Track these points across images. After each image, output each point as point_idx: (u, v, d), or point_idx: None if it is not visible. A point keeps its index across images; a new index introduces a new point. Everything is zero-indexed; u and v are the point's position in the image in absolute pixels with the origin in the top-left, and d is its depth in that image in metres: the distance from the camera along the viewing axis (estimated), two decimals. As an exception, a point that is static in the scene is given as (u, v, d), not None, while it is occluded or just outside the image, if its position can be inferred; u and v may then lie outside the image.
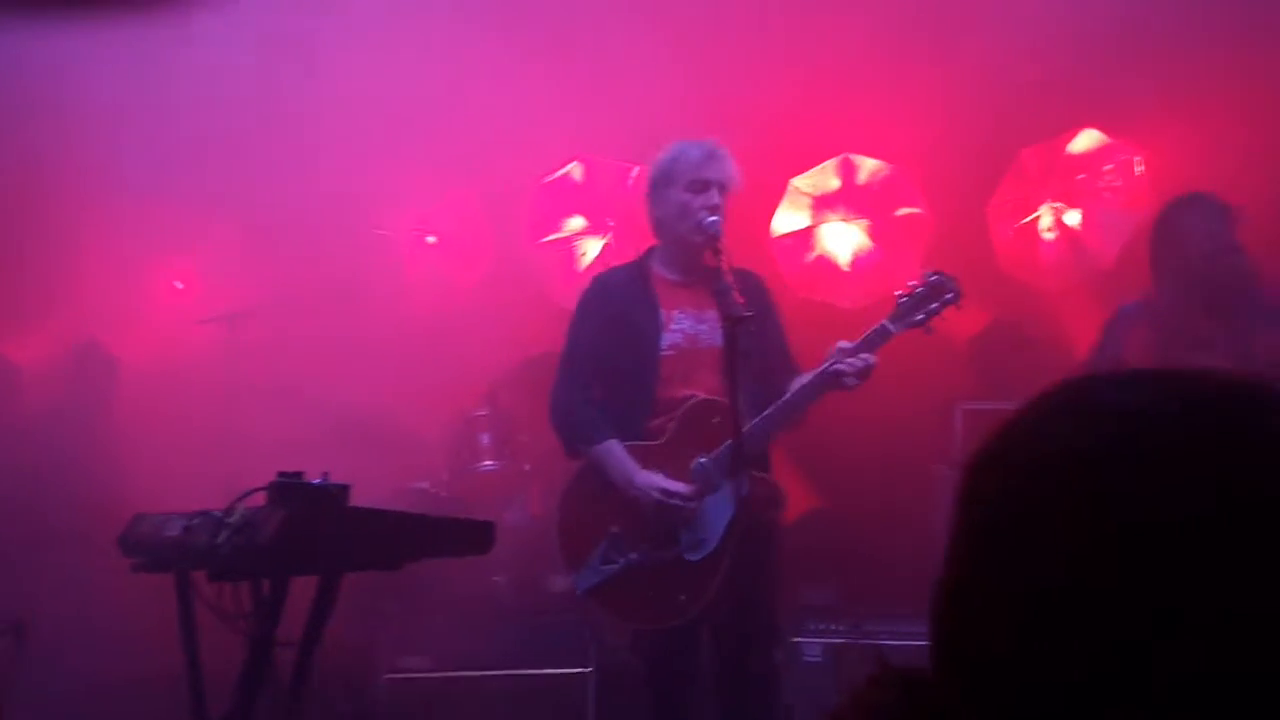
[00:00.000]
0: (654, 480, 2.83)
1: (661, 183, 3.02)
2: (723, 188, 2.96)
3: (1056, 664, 0.60)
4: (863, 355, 2.78)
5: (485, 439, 4.40)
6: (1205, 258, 3.16)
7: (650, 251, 3.14)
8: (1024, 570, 0.62)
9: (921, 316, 2.82)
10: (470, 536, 2.15)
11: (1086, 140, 4.57)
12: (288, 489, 2.12)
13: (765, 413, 2.84)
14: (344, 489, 2.17)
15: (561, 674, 3.61)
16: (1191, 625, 0.57)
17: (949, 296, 2.82)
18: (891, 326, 2.81)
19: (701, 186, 2.94)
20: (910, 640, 3.50)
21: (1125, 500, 0.60)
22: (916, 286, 2.84)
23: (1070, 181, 4.64)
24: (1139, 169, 4.46)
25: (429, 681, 3.59)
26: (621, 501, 2.87)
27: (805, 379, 2.86)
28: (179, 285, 5.27)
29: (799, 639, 3.56)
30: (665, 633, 2.90)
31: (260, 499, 2.18)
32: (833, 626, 3.56)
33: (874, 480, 4.64)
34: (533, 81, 4.64)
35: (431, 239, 5.24)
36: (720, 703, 2.93)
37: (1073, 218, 4.65)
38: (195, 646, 2.45)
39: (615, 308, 3.05)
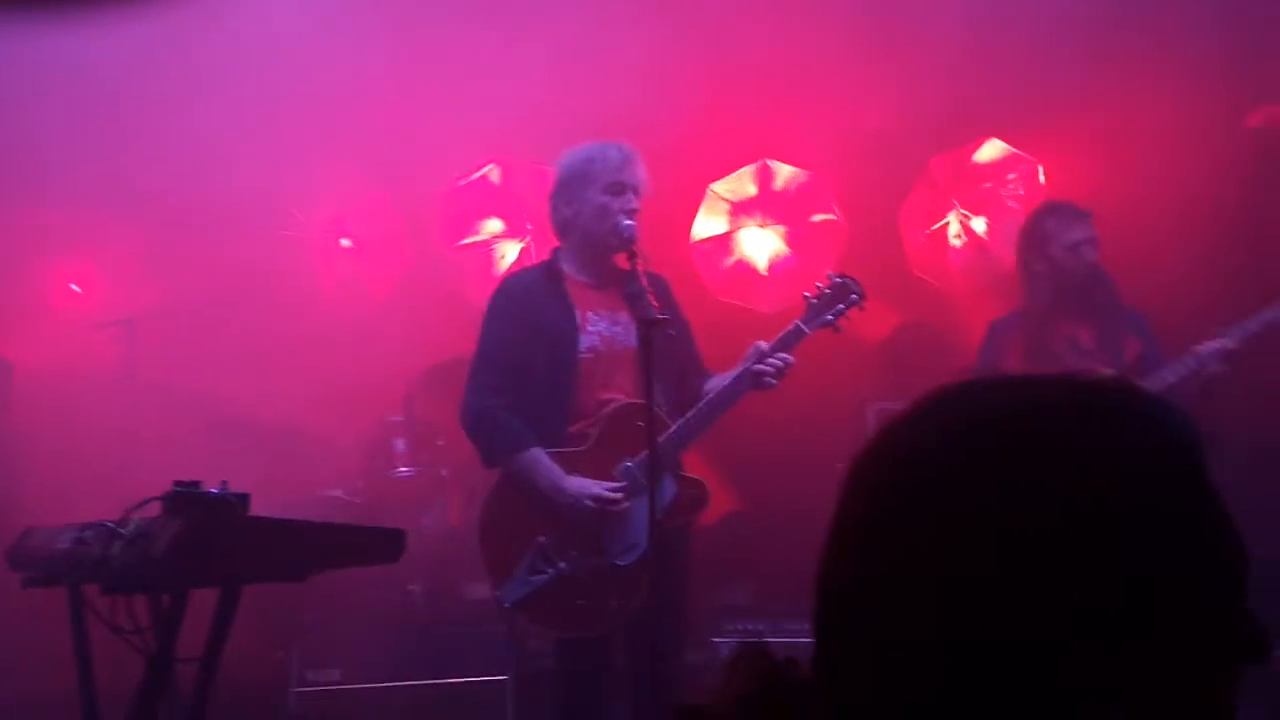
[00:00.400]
0: (585, 487, 2.80)
1: (576, 183, 2.98)
2: (638, 191, 2.96)
3: (923, 649, 0.63)
4: (781, 355, 2.82)
5: (401, 445, 4.33)
6: (1067, 257, 3.37)
7: (557, 253, 3.10)
8: (897, 560, 0.66)
9: (830, 317, 2.88)
10: (379, 545, 2.09)
11: (991, 150, 4.72)
12: (184, 498, 2.04)
13: (689, 414, 2.84)
14: (244, 498, 2.10)
15: (478, 682, 3.57)
16: (1051, 611, 0.61)
17: (854, 297, 2.90)
18: (805, 326, 2.86)
19: (619, 189, 2.93)
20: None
21: (986, 492, 0.63)
22: (823, 288, 2.90)
23: (976, 190, 4.79)
24: (1040, 179, 4.63)
25: (339, 694, 3.50)
26: (547, 510, 2.81)
27: (724, 380, 2.87)
28: (76, 288, 5.06)
29: (716, 639, 3.59)
30: (589, 639, 2.88)
31: (156, 509, 2.10)
32: (749, 626, 3.60)
33: (787, 481, 4.70)
34: (448, 82, 4.60)
35: (345, 242, 5.14)
36: (632, 705, 2.93)
37: (979, 224, 4.81)
38: (89, 664, 2.35)
39: (528, 310, 2.98)
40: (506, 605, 2.86)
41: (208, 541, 2.03)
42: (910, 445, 0.69)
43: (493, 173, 4.80)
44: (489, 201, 4.86)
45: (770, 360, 2.81)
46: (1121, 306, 3.47)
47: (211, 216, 4.49)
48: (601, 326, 2.97)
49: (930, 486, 0.66)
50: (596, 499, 2.78)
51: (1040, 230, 3.49)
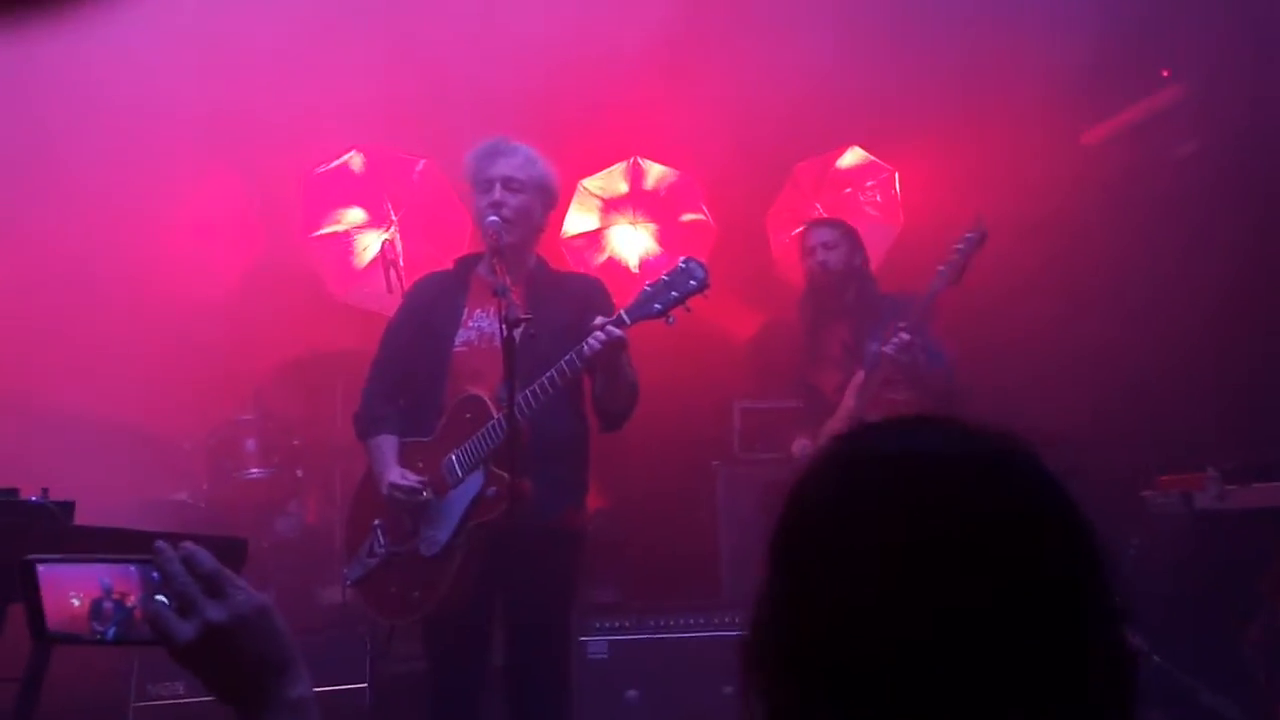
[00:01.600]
0: (389, 475, 2.85)
1: (468, 183, 3.02)
2: (507, 182, 2.90)
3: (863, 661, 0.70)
4: (592, 338, 2.66)
5: (251, 444, 4.10)
6: (810, 265, 3.86)
7: (481, 253, 3.10)
8: (826, 589, 0.73)
9: (658, 306, 2.67)
10: (219, 554, 1.94)
11: (852, 157, 4.88)
12: (-1, 507, 1.86)
13: (503, 411, 2.71)
14: (66, 506, 1.93)
15: (335, 690, 3.43)
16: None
17: (693, 284, 2.66)
18: (626, 317, 2.69)
19: (486, 185, 2.92)
20: (688, 633, 3.59)
21: (889, 527, 0.72)
22: (663, 275, 2.71)
23: (838, 195, 4.94)
24: (896, 187, 4.82)
25: (182, 709, 3.29)
26: (383, 496, 2.88)
27: (543, 377, 2.75)
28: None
29: (584, 637, 3.57)
30: (454, 634, 2.84)
31: (-30, 518, 1.90)
32: (616, 623, 3.60)
33: (655, 478, 4.74)
34: (309, 63, 4.38)
35: (189, 228, 4.82)
36: (510, 706, 2.88)
37: (840, 229, 4.95)
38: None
39: (421, 308, 3.06)
40: (348, 583, 2.97)
41: (24, 554, 1.84)
42: (820, 495, 0.78)
43: (354, 160, 4.60)
44: (350, 190, 4.66)
45: (588, 341, 2.67)
46: (879, 298, 3.77)
47: (38, 195, 4.12)
48: (483, 323, 2.96)
49: (816, 521, 0.76)
50: (391, 486, 2.82)
51: (800, 245, 3.99)
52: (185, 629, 0.91)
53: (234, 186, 4.76)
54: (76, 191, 4.25)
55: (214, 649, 0.91)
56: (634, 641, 3.58)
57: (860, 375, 3.62)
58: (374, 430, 2.96)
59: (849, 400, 3.65)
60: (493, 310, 2.89)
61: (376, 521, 2.89)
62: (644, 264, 4.85)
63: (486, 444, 2.74)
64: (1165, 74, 4.33)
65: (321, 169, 4.58)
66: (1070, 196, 4.29)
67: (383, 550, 2.87)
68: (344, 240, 4.64)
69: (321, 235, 4.63)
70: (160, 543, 0.95)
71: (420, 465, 2.87)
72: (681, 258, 2.78)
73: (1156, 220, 4.02)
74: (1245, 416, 3.24)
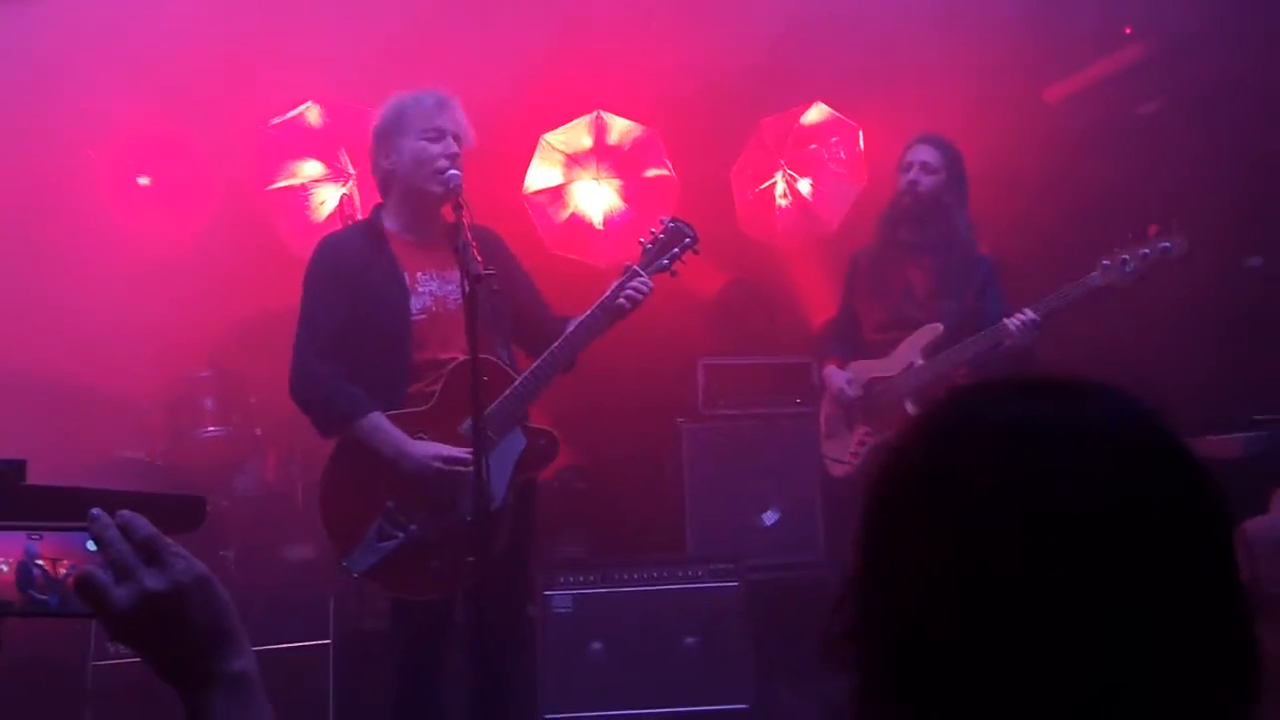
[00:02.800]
0: (430, 449, 2.73)
1: (392, 132, 2.86)
2: (459, 138, 2.85)
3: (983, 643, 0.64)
4: (633, 285, 2.81)
5: (208, 402, 4.04)
6: (899, 179, 3.52)
7: (379, 210, 2.96)
8: (946, 558, 0.67)
9: (665, 261, 2.87)
10: (176, 513, 1.91)
11: (817, 113, 4.85)
12: (-55, 467, 1.80)
13: (538, 362, 2.80)
14: (17, 465, 1.87)
15: (298, 648, 3.42)
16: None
17: (688, 241, 2.89)
18: (641, 271, 2.85)
19: (437, 135, 2.82)
20: (652, 585, 3.63)
21: (1013, 503, 0.65)
22: (658, 233, 2.90)
23: (802, 151, 4.91)
24: (860, 143, 4.81)
25: (143, 667, 3.25)
26: (393, 474, 2.73)
27: (583, 317, 2.84)
28: None
29: (549, 592, 3.59)
30: (425, 601, 2.82)
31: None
32: (581, 577, 3.62)
33: (620, 434, 4.75)
34: (264, 13, 4.25)
35: (143, 180, 4.69)
36: (473, 662, 2.89)
37: (804, 185, 4.94)
38: None
39: (350, 272, 2.85)
40: (356, 575, 2.77)
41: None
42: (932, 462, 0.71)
43: (310, 112, 4.48)
44: (306, 143, 4.55)
45: (626, 293, 2.80)
46: (971, 251, 3.46)
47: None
48: (433, 286, 2.88)
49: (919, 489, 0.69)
50: (447, 460, 2.72)
51: (900, 158, 3.58)
52: (121, 596, 0.87)
53: (186, 139, 4.63)
54: (22, 147, 4.11)
55: (151, 619, 0.87)
56: (598, 596, 3.61)
57: (931, 329, 3.37)
58: (361, 409, 2.75)
59: (912, 354, 3.38)
60: (434, 271, 2.86)
61: (390, 503, 2.73)
62: (608, 220, 4.81)
63: (521, 402, 2.76)
64: (1128, 31, 4.34)
65: (276, 121, 4.47)
66: (1033, 154, 4.31)
67: (414, 528, 2.73)
68: (300, 194, 4.54)
69: (277, 189, 4.53)
70: (95, 509, 0.91)
71: (423, 435, 2.76)
72: (666, 218, 2.95)
73: (1119, 178, 4.06)
74: (1205, 373, 3.30)
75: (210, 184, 4.67)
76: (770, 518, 4.32)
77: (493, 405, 2.71)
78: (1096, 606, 0.62)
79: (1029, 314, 3.12)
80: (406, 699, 2.86)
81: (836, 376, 3.62)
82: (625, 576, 3.64)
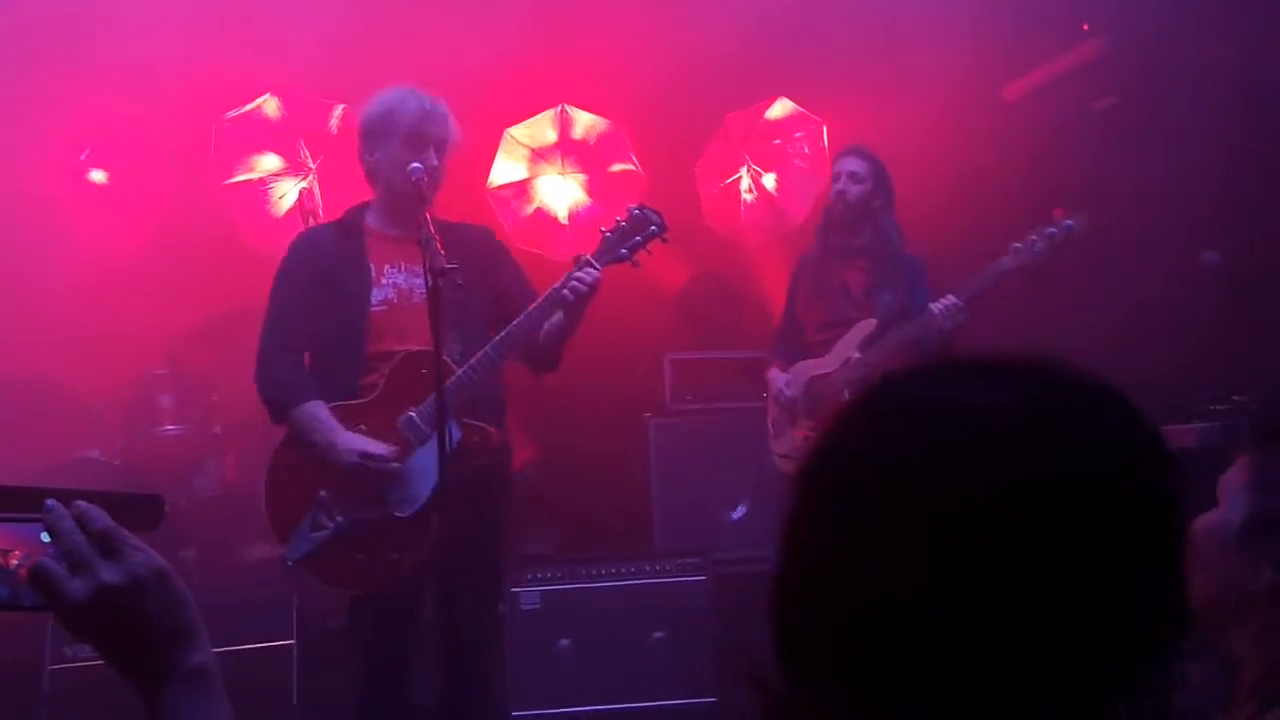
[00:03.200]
0: (353, 443, 2.70)
1: (378, 133, 2.85)
2: (440, 146, 2.83)
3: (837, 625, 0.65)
4: (585, 270, 2.67)
5: (166, 400, 3.97)
6: (827, 192, 3.72)
7: (362, 206, 2.98)
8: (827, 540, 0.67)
9: (625, 250, 2.74)
10: (135, 512, 1.87)
11: (781, 109, 4.87)
12: (-102, 463, 1.75)
13: (475, 357, 2.74)
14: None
15: (260, 649, 3.37)
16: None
17: (653, 229, 2.75)
18: (596, 262, 2.72)
19: (419, 143, 2.80)
20: (620, 581, 3.63)
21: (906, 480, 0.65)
22: (621, 221, 2.78)
23: (767, 146, 4.94)
24: (824, 139, 4.84)
25: (101, 670, 3.19)
26: (327, 464, 2.71)
27: (529, 310, 2.75)
28: None
29: (516, 589, 3.58)
30: (384, 598, 2.78)
31: None
32: (548, 574, 3.61)
33: (587, 430, 4.74)
34: (221, 3, 4.18)
35: (99, 175, 4.60)
36: (442, 659, 2.87)
37: (769, 180, 4.97)
38: None
39: (319, 266, 2.87)
40: (290, 563, 2.76)
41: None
42: (867, 455, 0.69)
43: (269, 104, 4.41)
44: (264, 136, 4.48)
45: (582, 273, 2.67)
46: (901, 251, 3.62)
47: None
48: (399, 279, 2.86)
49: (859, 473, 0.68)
50: (363, 455, 2.69)
51: (830, 168, 3.78)
52: (76, 588, 0.84)
53: (141, 132, 4.54)
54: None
55: (107, 612, 0.85)
56: (566, 592, 3.60)
57: (866, 324, 3.52)
58: (300, 397, 2.76)
59: (849, 349, 3.52)
60: (403, 264, 2.84)
61: (321, 493, 2.71)
62: (573, 215, 4.79)
63: (461, 397, 2.69)
64: (1084, 28, 4.41)
65: (234, 114, 4.40)
66: (991, 149, 4.36)
67: (341, 520, 2.70)
68: (259, 188, 4.47)
69: (235, 183, 4.46)
70: (50, 500, 0.88)
71: (363, 427, 2.74)
72: (633, 205, 2.84)
73: (1076, 172, 4.12)
74: (1163, 364, 3.36)
75: (166, 178, 4.58)
76: (738, 512, 4.34)
77: (427, 400, 2.69)
78: (1035, 578, 0.62)
79: (952, 299, 3.26)
80: (369, 699, 2.83)
81: (776, 379, 3.80)
82: (593, 572, 3.63)
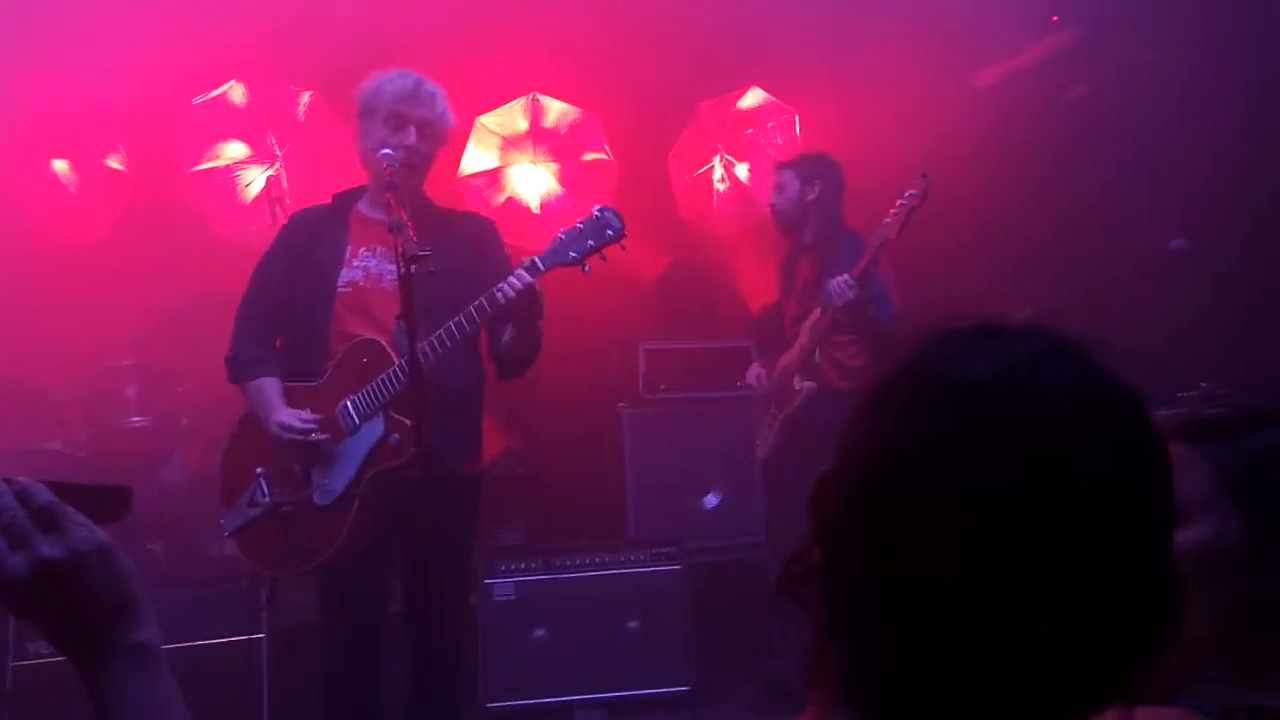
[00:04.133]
0: (282, 416, 2.70)
1: (365, 114, 2.81)
2: (423, 127, 2.77)
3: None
4: (507, 282, 2.57)
5: (131, 392, 3.90)
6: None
7: (358, 189, 2.94)
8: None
9: (574, 254, 2.61)
10: (101, 503, 1.83)
11: (754, 98, 4.86)
12: None
13: (404, 356, 2.61)
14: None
15: (230, 642, 3.33)
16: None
17: (610, 234, 2.62)
18: (540, 263, 2.60)
19: (399, 123, 2.76)
20: (594, 570, 3.62)
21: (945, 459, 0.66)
22: (578, 223, 2.66)
23: (739, 136, 4.92)
24: (796, 128, 4.83)
25: (65, 666, 3.12)
26: (269, 442, 2.73)
27: (453, 319, 2.67)
28: None
29: (490, 579, 3.56)
30: (352, 583, 2.76)
31: None
32: (523, 564, 3.60)
33: (561, 420, 4.72)
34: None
35: (60, 164, 4.49)
36: (412, 652, 2.84)
37: (741, 170, 4.96)
38: None
39: (299, 245, 2.85)
40: (226, 535, 2.80)
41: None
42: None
43: (234, 91, 4.33)
44: (230, 123, 4.40)
45: (502, 290, 2.58)
46: (841, 234, 3.78)
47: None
48: (370, 263, 2.81)
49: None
50: (281, 425, 2.68)
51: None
52: (15, 564, 0.82)
53: (105, 122, 4.44)
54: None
55: (47, 588, 0.83)
56: (540, 582, 3.59)
57: (814, 313, 3.67)
58: (253, 372, 2.78)
59: (804, 335, 3.69)
60: (379, 249, 2.79)
61: (259, 470, 2.72)
62: (545, 204, 4.76)
63: (387, 390, 2.63)
64: (1055, 19, 4.44)
65: (199, 100, 4.31)
66: (963, 138, 4.38)
67: (267, 500, 2.71)
68: (225, 176, 4.39)
69: (200, 171, 4.38)
70: None
71: (308, 410, 2.72)
72: (596, 206, 2.70)
73: (1046, 161, 4.15)
74: (1135, 346, 3.40)
75: (128, 165, 4.49)
76: (711, 501, 4.34)
77: (362, 389, 2.67)
78: (1082, 548, 0.64)
79: (844, 276, 3.43)
80: (337, 691, 2.81)
81: (752, 373, 4.07)
82: (567, 562, 3.62)
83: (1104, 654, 0.65)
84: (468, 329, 2.64)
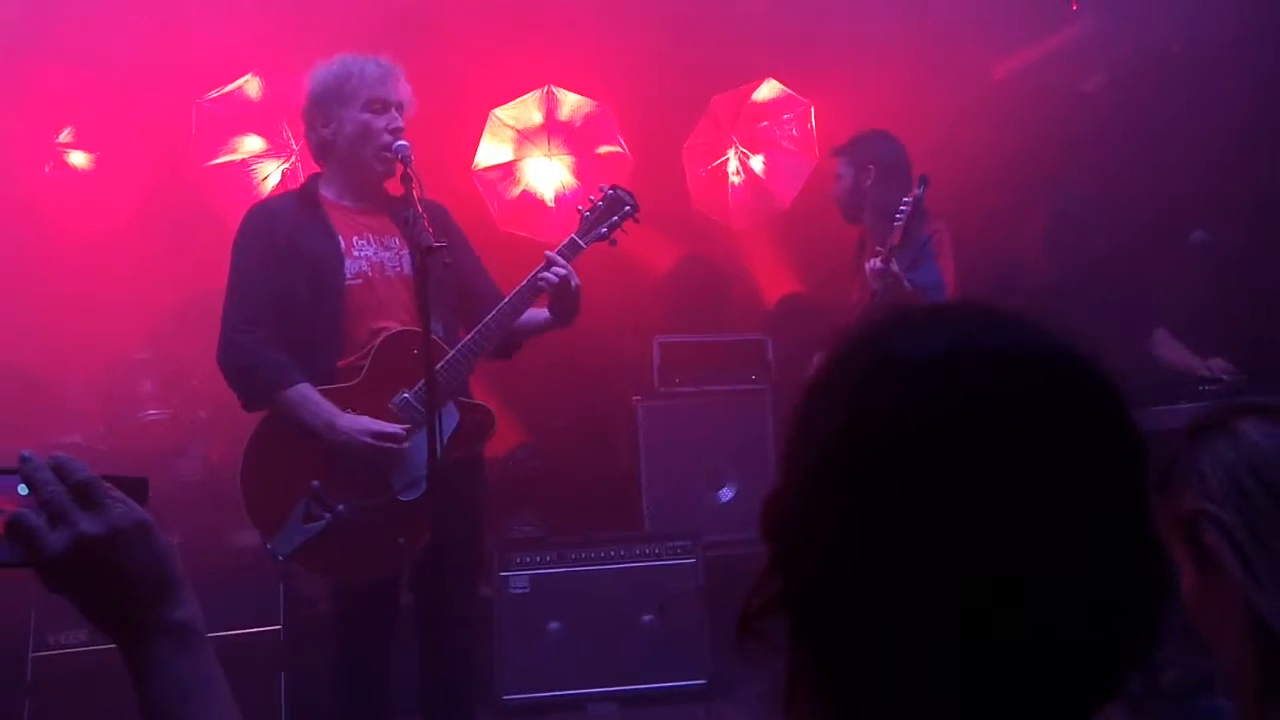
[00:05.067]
0: (361, 423, 2.61)
1: (331, 101, 2.75)
2: (402, 109, 2.77)
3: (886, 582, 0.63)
4: (554, 269, 2.70)
5: (148, 385, 3.92)
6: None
7: (314, 179, 2.87)
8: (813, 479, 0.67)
9: (604, 230, 2.82)
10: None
11: (768, 90, 4.83)
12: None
13: (466, 338, 2.72)
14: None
15: (248, 634, 3.35)
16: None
17: (627, 209, 2.85)
18: (581, 240, 2.79)
19: (382, 106, 2.73)
20: (609, 564, 3.62)
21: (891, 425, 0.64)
22: (596, 201, 2.85)
23: (754, 128, 4.90)
24: (812, 121, 4.80)
25: (85, 657, 3.16)
26: (319, 451, 2.61)
27: (503, 301, 2.76)
28: None
29: (505, 572, 3.56)
30: (368, 583, 2.75)
31: None
32: (538, 557, 3.60)
33: (576, 412, 4.73)
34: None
35: (79, 156, 4.52)
36: (423, 643, 2.85)
37: (756, 163, 4.93)
38: None
39: (281, 237, 2.73)
40: (280, 559, 2.65)
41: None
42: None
43: (250, 84, 4.34)
44: (246, 117, 4.41)
45: (544, 275, 2.71)
46: (916, 232, 3.64)
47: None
48: (369, 252, 2.78)
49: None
50: (377, 435, 2.62)
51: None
52: (55, 540, 0.82)
53: (119, 112, 4.46)
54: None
55: (87, 565, 0.82)
56: (555, 575, 3.59)
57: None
58: (289, 379, 2.61)
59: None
60: (371, 237, 2.78)
61: (315, 483, 2.60)
62: (559, 197, 4.75)
63: (455, 378, 2.67)
64: (1074, 8, 4.39)
65: (214, 94, 4.33)
66: (980, 128, 4.35)
67: (341, 510, 2.61)
68: (241, 169, 4.40)
69: (216, 165, 4.39)
70: (26, 451, 0.86)
71: (352, 411, 2.65)
72: (606, 186, 2.89)
73: (1062, 152, 4.11)
74: (1134, 341, 3.38)
75: (144, 159, 4.51)
76: (726, 494, 4.33)
77: (419, 381, 2.63)
78: (1022, 527, 0.62)
79: (874, 260, 3.42)
80: (351, 684, 2.80)
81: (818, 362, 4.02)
82: (582, 555, 3.62)
83: (1091, 634, 0.62)
84: (514, 314, 2.71)
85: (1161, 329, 3.39)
